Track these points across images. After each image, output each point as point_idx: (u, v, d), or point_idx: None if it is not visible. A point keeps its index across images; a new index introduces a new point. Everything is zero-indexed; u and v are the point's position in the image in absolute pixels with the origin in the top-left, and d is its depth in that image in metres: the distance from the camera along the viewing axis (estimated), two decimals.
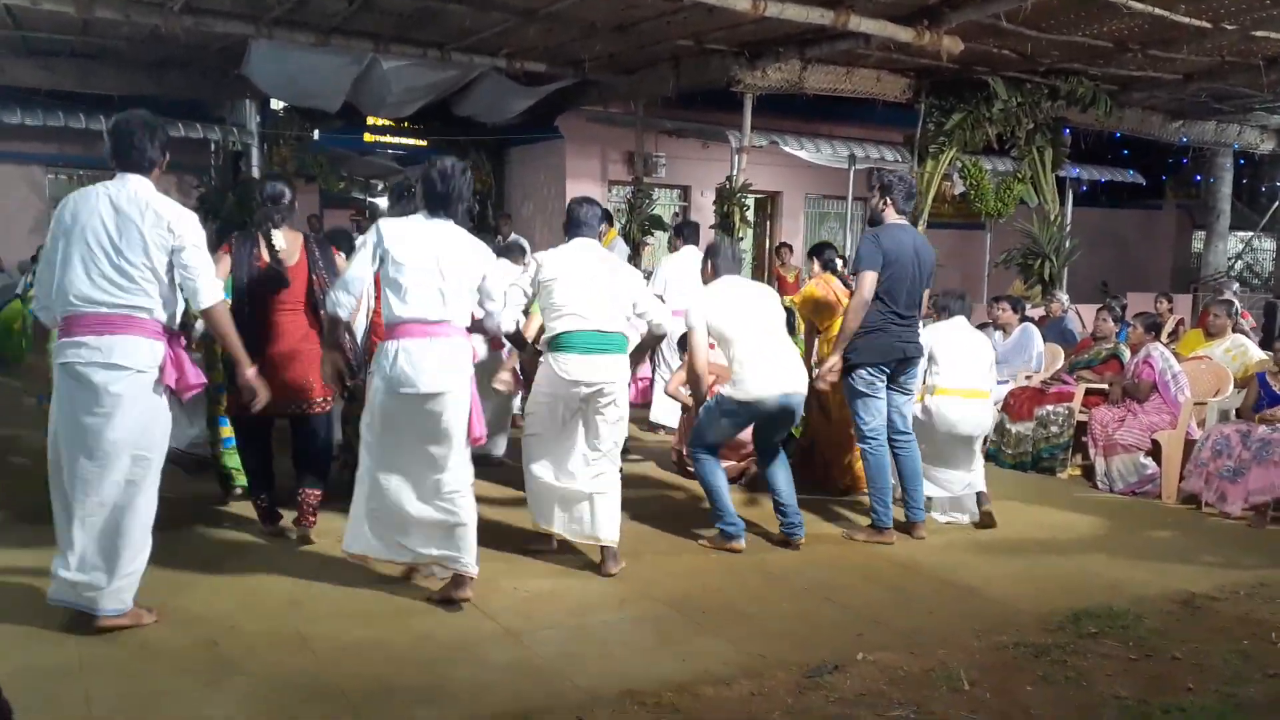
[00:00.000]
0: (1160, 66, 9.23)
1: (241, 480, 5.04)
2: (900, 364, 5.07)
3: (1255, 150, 13.10)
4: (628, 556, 4.54)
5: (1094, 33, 8.09)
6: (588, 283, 4.36)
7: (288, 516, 4.74)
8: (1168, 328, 9.17)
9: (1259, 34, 7.84)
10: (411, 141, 14.28)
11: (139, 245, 3.48)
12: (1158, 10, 7.15)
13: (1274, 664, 3.63)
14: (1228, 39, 8.06)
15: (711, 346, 4.96)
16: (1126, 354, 6.80)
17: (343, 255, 4.68)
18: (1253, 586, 4.49)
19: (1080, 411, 6.73)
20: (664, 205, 12.35)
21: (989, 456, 7.04)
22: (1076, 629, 3.88)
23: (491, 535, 4.87)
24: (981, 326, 8.07)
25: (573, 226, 4.55)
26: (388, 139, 14.08)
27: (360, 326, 5.07)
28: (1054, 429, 6.75)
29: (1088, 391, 6.82)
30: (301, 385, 4.54)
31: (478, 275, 4.00)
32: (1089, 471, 6.60)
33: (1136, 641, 3.78)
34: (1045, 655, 3.62)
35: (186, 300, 3.70)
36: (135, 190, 3.55)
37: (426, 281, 3.83)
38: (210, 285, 3.66)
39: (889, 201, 5.09)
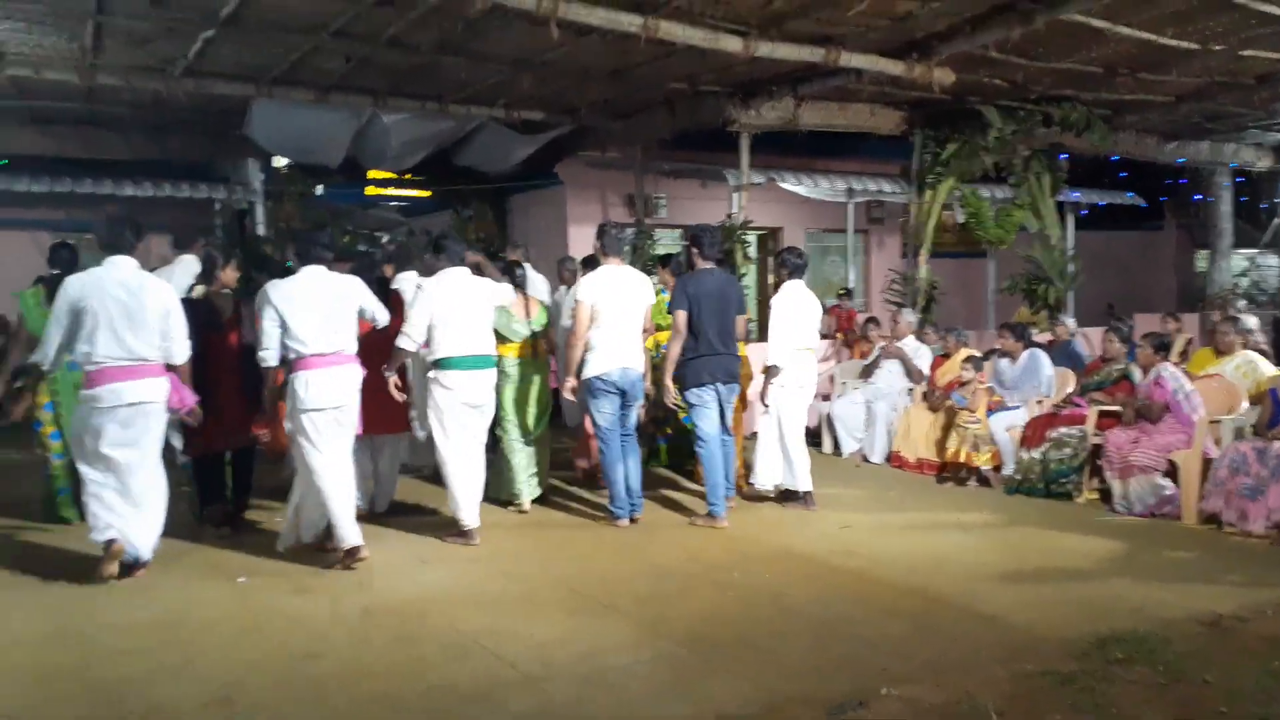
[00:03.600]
0: (1151, 89, 9.29)
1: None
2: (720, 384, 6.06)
3: (1253, 168, 13.10)
4: (641, 600, 4.53)
5: (1083, 59, 8.15)
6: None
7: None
8: (1177, 347, 9.12)
9: (1247, 53, 7.89)
10: (413, 193, 14.40)
11: (145, 311, 4.71)
12: (1145, 35, 7.20)
13: None
14: (1216, 60, 8.12)
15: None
16: (1138, 374, 6.76)
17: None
18: (1279, 605, 4.42)
19: (1094, 434, 6.68)
20: (665, 245, 12.35)
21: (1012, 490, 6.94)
22: (1103, 655, 3.82)
23: (501, 584, 4.83)
24: (989, 354, 8.05)
25: (448, 257, 5.59)
26: (390, 191, 14.19)
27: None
28: (1067, 450, 6.69)
29: (1101, 414, 6.76)
30: (243, 423, 5.64)
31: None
32: (1106, 495, 6.54)
33: (1165, 666, 3.71)
34: (1073, 683, 3.55)
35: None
36: (131, 270, 4.76)
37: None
38: (184, 345, 4.88)
39: (697, 251, 6.11)
